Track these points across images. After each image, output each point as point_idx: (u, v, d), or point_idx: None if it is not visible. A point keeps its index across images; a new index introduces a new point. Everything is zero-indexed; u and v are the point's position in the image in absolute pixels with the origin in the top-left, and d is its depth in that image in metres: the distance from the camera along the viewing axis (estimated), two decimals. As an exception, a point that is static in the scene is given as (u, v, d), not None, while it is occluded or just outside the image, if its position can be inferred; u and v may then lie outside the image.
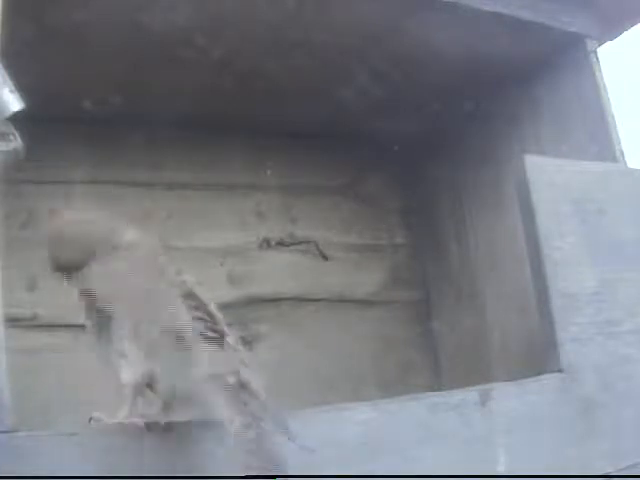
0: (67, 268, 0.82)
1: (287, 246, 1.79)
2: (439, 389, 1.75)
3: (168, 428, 0.85)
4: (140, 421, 0.84)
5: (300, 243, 1.81)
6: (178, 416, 0.87)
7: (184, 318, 0.81)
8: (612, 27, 1.56)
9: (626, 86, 2.22)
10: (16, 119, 0.88)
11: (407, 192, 1.99)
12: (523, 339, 1.61)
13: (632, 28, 1.58)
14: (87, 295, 0.83)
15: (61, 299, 0.89)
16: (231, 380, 0.80)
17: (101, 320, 0.86)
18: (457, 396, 1.11)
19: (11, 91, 0.87)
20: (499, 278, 1.73)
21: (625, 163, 1.47)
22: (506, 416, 1.12)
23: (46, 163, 1.45)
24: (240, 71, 1.48)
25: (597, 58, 1.52)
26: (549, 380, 1.20)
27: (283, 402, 0.83)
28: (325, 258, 1.84)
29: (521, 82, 1.64)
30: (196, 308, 0.83)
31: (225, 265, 1.70)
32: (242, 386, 0.80)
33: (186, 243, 1.65)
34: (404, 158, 1.95)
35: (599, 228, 1.33)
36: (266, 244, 1.77)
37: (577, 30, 1.51)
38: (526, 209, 1.27)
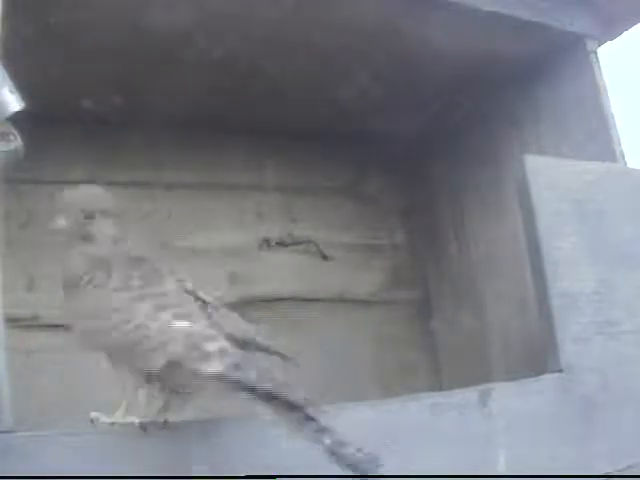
0: None
1: (287, 246, 1.79)
2: (439, 389, 1.75)
3: (168, 428, 0.85)
4: (139, 421, 0.84)
5: (300, 243, 1.81)
6: (178, 416, 0.87)
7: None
8: (612, 27, 1.56)
9: (626, 86, 2.22)
10: (16, 119, 0.88)
11: (407, 192, 1.99)
12: (523, 339, 1.61)
13: (632, 28, 1.58)
14: None
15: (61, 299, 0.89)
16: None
17: None
18: (457, 396, 1.11)
19: (11, 91, 0.88)
20: (499, 278, 1.73)
21: (625, 163, 1.47)
22: (506, 416, 1.11)
23: (46, 163, 1.45)
24: (240, 71, 1.48)
25: (597, 58, 1.52)
26: (549, 380, 1.20)
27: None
28: (325, 258, 1.84)
29: (521, 82, 1.64)
30: None
31: (225, 265, 1.70)
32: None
33: (186, 243, 1.65)
34: (404, 158, 1.95)
35: (599, 228, 1.33)
36: (266, 244, 1.77)
37: (577, 30, 1.51)
38: (526, 209, 1.27)
